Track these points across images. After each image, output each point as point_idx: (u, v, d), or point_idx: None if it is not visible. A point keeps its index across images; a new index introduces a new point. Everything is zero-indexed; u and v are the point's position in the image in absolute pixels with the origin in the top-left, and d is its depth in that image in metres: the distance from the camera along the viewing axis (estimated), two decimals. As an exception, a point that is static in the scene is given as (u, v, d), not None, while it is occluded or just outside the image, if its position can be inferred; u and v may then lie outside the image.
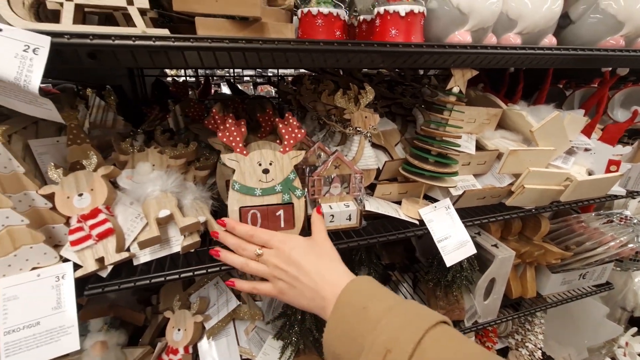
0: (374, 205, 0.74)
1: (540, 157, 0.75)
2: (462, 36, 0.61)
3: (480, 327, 0.94)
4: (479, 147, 0.83)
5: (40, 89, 0.39)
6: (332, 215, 0.68)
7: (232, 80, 1.39)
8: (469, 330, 0.93)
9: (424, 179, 0.71)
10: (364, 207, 0.72)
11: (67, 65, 0.45)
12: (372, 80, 1.14)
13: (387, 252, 1.20)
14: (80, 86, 1.01)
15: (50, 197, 0.55)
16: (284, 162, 0.62)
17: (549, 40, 0.70)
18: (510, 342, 1.29)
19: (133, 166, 0.63)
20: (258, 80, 1.76)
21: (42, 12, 0.50)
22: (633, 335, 1.77)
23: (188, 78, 1.52)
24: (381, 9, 0.56)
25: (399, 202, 0.80)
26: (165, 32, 0.43)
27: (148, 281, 0.54)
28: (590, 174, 0.82)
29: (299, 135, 0.63)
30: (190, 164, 0.72)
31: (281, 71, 1.68)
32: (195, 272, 0.56)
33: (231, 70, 1.69)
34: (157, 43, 0.41)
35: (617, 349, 1.73)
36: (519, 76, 1.02)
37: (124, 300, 0.86)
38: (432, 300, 0.98)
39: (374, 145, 0.87)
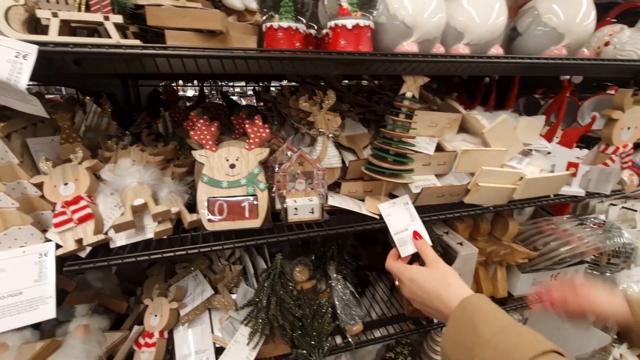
0: (338, 200, 0.80)
1: (493, 157, 0.80)
2: (409, 46, 0.68)
3: (448, 324, 0.97)
4: (441, 149, 0.88)
5: (45, 98, 0.47)
6: (296, 209, 0.74)
7: (224, 92, 1.48)
8: (437, 327, 0.96)
9: (383, 176, 0.77)
10: (327, 202, 0.78)
11: (57, 70, 0.53)
12: (350, 90, 1.21)
13: (367, 254, 1.25)
14: (81, 95, 1.12)
15: (40, 186, 0.62)
16: (250, 158, 0.69)
17: (496, 50, 0.77)
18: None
19: (116, 161, 0.71)
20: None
21: (39, 27, 0.59)
22: (629, 348, 1.74)
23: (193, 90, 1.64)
24: (332, 23, 0.64)
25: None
26: (135, 42, 0.51)
27: (120, 261, 0.60)
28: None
29: (264, 134, 0.71)
30: (170, 162, 0.79)
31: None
32: (164, 254, 0.63)
33: (231, 83, 1.81)
34: (127, 51, 0.49)
35: (611, 361, 1.71)
36: (501, 86, 1.10)
37: (111, 291, 0.92)
38: (404, 299, 1.01)
39: (344, 148, 0.94)
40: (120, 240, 0.65)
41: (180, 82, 2.09)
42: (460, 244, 0.94)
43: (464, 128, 0.95)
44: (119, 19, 0.50)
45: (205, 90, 1.72)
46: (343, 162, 0.87)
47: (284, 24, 0.64)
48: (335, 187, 0.87)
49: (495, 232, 1.06)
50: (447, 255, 0.94)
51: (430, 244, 0.72)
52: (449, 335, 0.52)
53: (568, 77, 0.98)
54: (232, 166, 0.69)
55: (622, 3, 1.06)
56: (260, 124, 0.71)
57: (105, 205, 0.66)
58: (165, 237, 0.67)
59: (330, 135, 0.79)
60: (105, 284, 0.91)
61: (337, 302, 0.89)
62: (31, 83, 1.35)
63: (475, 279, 1.07)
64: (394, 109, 0.79)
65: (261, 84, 1.46)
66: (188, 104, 1.47)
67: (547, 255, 1.00)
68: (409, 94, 0.74)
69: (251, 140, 0.70)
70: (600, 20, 1.04)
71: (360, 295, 1.13)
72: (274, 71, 0.62)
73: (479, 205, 0.85)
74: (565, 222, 1.12)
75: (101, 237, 0.60)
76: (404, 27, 0.67)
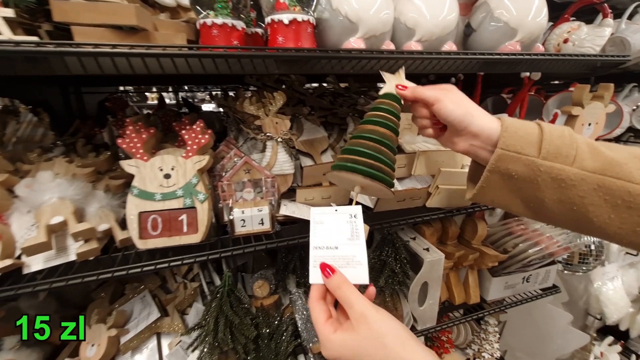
0: (291, 209, 0.74)
1: (452, 158, 0.76)
2: (355, 43, 0.64)
3: (419, 334, 0.92)
4: (401, 150, 0.84)
5: None
6: (244, 220, 0.68)
7: (185, 98, 1.42)
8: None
9: (355, 174, 0.54)
10: (279, 211, 0.72)
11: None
12: (313, 93, 1.17)
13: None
14: (21, 103, 1.03)
15: (-62, 207, 0.55)
16: (187, 167, 0.63)
17: (449, 46, 0.74)
18: (468, 353, 1.26)
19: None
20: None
21: None
22: (610, 345, 1.74)
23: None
24: (269, 19, 0.59)
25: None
26: (33, 38, 0.45)
27: (31, 289, 0.53)
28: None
29: (203, 140, 0.65)
30: (106, 173, 0.72)
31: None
32: (84, 279, 0.56)
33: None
34: (18, 48, 0.43)
35: (592, 359, 1.70)
36: (469, 86, 1.08)
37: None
38: (371, 308, 0.96)
39: (303, 153, 0.89)
40: (36, 264, 0.57)
41: (164, 87, 2.00)
42: (427, 249, 0.89)
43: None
44: (8, 12, 0.44)
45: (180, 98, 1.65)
46: (302, 167, 0.82)
47: (219, 20, 0.59)
48: (293, 194, 0.82)
49: (465, 235, 1.02)
50: (414, 262, 0.90)
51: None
52: None
53: (528, 73, 0.96)
54: (167, 176, 0.62)
55: (579, 0, 1.06)
56: (198, 129, 0.65)
57: (19, 224, 0.59)
58: (91, 257, 0.60)
59: (280, 139, 0.73)
60: (41, 311, 0.82)
61: (298, 319, 0.83)
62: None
63: (447, 285, 1.03)
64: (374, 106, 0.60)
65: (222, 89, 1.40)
66: (146, 111, 1.40)
67: (517, 257, 0.97)
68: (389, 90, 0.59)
69: (189, 148, 0.64)
70: (559, 18, 1.04)
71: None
72: (205, 70, 0.57)
73: (441, 209, 0.81)
74: (536, 221, 1.10)
75: (8, 262, 0.53)
76: (348, 22, 0.63)
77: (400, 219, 0.76)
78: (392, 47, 0.69)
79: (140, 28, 0.53)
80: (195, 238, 0.62)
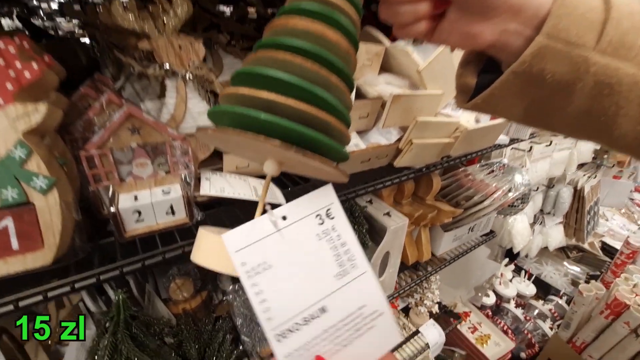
0: (219, 185, 0.50)
1: (428, 104, 0.60)
2: None
3: (378, 306, 0.84)
4: (361, 95, 0.65)
5: None
6: (139, 212, 0.42)
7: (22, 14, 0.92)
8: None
9: (259, 133, 0.25)
10: (200, 190, 0.47)
11: None
12: (231, 17, 0.85)
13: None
14: None
15: None
16: (-3, 128, 0.32)
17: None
18: (410, 302, 1.29)
19: None
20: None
21: None
22: (506, 265, 2.03)
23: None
24: None
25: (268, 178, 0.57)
26: None
27: None
28: (477, 121, 0.73)
29: (27, 73, 0.33)
30: None
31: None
32: None
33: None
34: None
35: (494, 280, 1.97)
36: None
37: None
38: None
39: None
40: None
41: None
42: (388, 214, 0.76)
43: (385, 66, 0.73)
44: None
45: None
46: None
47: None
48: (218, 160, 0.56)
49: (419, 191, 0.93)
50: (374, 229, 0.77)
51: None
52: None
53: None
54: (-50, 148, 0.31)
55: None
56: (13, 51, 0.33)
57: None
58: None
59: (189, 76, 0.45)
60: None
61: (238, 322, 0.64)
62: None
63: (401, 247, 0.95)
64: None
65: None
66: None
67: (471, 210, 0.92)
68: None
69: (-5, 88, 0.32)
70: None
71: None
72: None
73: (410, 168, 0.66)
74: (479, 171, 1.07)
75: None
76: None
77: (368, 185, 0.59)
78: None
79: None
80: (41, 257, 0.34)
